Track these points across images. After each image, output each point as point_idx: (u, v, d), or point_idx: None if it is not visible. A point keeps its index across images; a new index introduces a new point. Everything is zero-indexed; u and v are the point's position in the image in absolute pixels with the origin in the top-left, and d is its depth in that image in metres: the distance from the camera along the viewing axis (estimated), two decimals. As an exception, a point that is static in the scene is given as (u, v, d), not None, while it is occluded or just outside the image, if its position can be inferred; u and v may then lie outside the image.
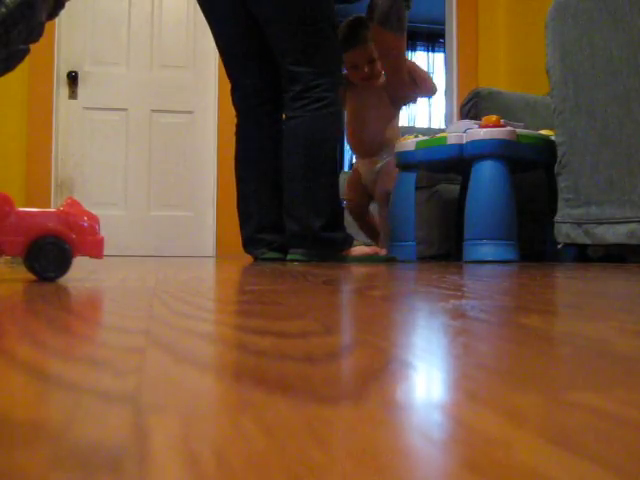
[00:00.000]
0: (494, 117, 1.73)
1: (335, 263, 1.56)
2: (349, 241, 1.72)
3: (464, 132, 1.75)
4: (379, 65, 1.96)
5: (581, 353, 0.26)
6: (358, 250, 1.75)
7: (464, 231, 1.73)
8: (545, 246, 1.92)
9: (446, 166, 1.98)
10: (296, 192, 1.66)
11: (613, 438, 0.14)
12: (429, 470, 0.12)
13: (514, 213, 1.70)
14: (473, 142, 1.72)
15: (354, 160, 2.21)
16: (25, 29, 0.94)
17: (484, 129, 1.71)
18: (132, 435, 0.14)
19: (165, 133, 3.13)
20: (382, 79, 2.00)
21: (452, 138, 1.77)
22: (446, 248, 2.18)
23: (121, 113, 3.10)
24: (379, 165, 2.06)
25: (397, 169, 1.99)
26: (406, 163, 1.91)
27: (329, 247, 1.67)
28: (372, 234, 2.15)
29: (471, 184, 1.73)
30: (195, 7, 3.02)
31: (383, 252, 1.89)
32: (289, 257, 1.71)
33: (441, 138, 1.81)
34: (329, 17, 1.69)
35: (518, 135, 1.72)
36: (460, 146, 1.75)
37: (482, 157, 1.70)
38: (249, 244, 1.82)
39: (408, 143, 1.90)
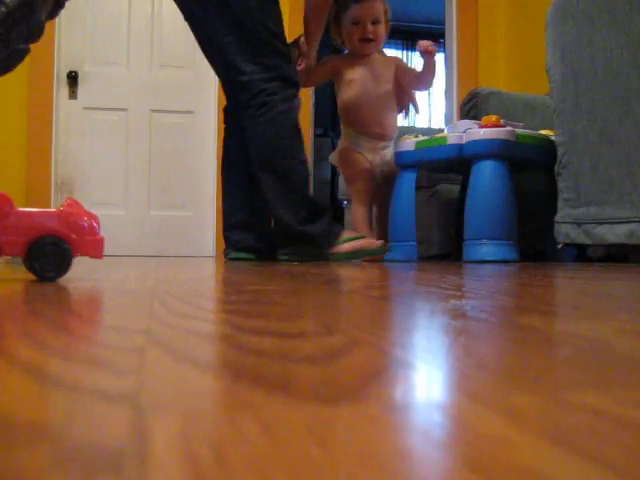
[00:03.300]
0: (494, 117, 1.73)
1: (323, 262, 1.58)
2: (333, 232, 1.70)
3: (464, 132, 1.75)
4: (383, 30, 1.88)
5: (581, 353, 0.26)
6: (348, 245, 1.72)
7: (464, 231, 1.73)
8: (545, 246, 1.91)
9: (446, 166, 1.97)
10: (270, 196, 1.71)
11: (613, 438, 0.14)
12: (429, 470, 0.12)
13: (514, 213, 1.70)
14: (473, 142, 1.72)
15: (345, 143, 1.97)
16: (25, 29, 0.94)
17: (484, 129, 1.71)
18: (132, 435, 0.14)
19: (165, 133, 3.12)
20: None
21: (452, 138, 1.77)
22: (446, 248, 2.18)
23: (121, 113, 3.09)
24: (389, 153, 1.95)
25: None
26: (406, 163, 1.91)
27: (311, 242, 1.69)
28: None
29: (471, 184, 1.73)
30: (195, 7, 3.01)
31: (377, 243, 1.79)
32: (280, 257, 1.75)
33: (441, 138, 1.81)
34: (268, 18, 1.68)
35: (518, 135, 1.72)
36: (460, 146, 1.75)
37: (482, 157, 1.70)
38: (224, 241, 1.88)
39: (408, 143, 1.90)
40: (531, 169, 1.95)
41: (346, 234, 1.74)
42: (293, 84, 1.72)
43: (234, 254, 1.80)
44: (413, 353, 0.26)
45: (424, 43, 1.83)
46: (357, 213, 2.02)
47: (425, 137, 1.89)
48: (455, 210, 2.02)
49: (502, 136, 1.69)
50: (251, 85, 1.68)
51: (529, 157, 1.77)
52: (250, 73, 1.68)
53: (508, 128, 1.71)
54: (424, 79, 1.93)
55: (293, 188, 1.70)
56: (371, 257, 1.87)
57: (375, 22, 1.86)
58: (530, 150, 1.75)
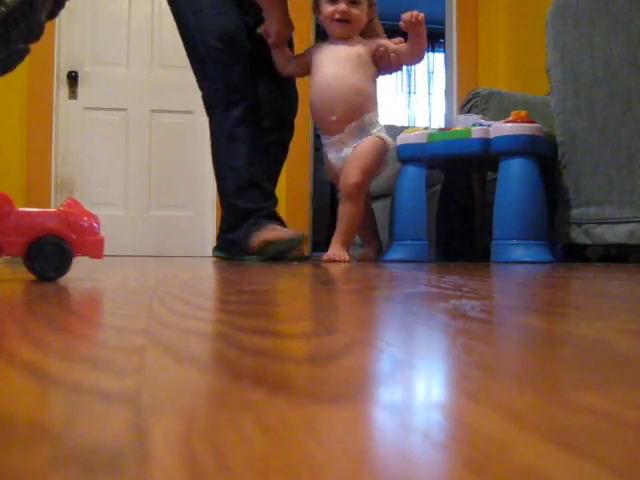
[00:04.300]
0: (523, 112, 1.67)
1: (246, 260, 1.67)
2: (249, 232, 1.70)
3: (489, 127, 1.69)
4: (362, 12, 1.69)
5: (581, 353, 0.26)
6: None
7: (493, 231, 1.67)
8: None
9: (464, 162, 1.88)
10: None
11: (613, 438, 0.14)
12: (429, 470, 0.12)
13: (545, 212, 1.65)
14: (501, 137, 1.65)
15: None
16: (25, 29, 0.94)
17: (510, 124, 1.65)
18: (132, 435, 0.14)
19: (165, 133, 3.12)
20: (376, 36, 1.74)
21: (477, 132, 1.68)
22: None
23: (121, 113, 3.09)
24: (348, 148, 1.67)
25: (378, 155, 1.66)
26: (415, 157, 1.80)
27: (232, 247, 1.77)
28: (368, 236, 1.87)
29: (499, 182, 1.66)
30: (195, 7, 3.01)
31: (292, 232, 1.67)
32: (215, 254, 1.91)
33: (464, 131, 1.71)
34: (208, 34, 1.76)
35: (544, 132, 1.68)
36: (486, 140, 1.67)
37: (511, 153, 1.64)
38: None
39: (418, 135, 1.80)
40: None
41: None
42: (235, 90, 1.79)
43: (217, 252, 1.88)
44: (413, 353, 0.26)
45: (407, 17, 1.61)
46: None
47: (435, 129, 1.84)
48: (455, 210, 2.01)
49: (531, 132, 1.63)
50: (204, 100, 1.87)
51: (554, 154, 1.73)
52: (204, 89, 1.85)
53: (537, 124, 1.66)
54: (416, 51, 1.71)
55: (223, 194, 1.84)
56: (369, 256, 1.84)
57: (354, 2, 1.68)
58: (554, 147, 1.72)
